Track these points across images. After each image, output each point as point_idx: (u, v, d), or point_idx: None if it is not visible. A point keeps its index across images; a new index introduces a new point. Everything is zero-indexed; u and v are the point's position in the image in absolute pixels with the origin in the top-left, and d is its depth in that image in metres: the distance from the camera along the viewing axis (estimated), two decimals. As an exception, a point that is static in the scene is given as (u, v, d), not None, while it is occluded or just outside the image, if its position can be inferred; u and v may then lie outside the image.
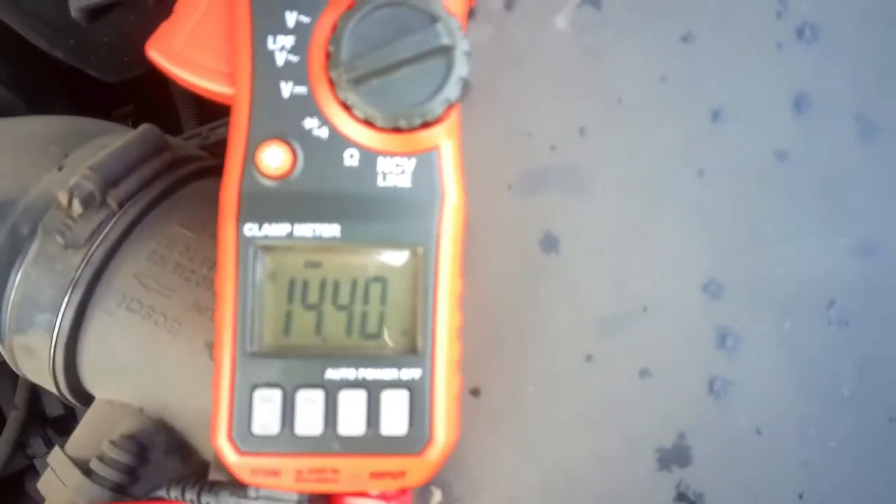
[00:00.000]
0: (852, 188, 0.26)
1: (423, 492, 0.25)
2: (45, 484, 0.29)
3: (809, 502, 0.25)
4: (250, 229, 0.20)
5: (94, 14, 0.29)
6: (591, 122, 0.26)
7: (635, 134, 0.26)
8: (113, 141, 0.31)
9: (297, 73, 0.21)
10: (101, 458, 0.27)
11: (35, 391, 0.47)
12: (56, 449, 0.30)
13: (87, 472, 0.27)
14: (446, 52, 0.20)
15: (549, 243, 0.25)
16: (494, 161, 0.25)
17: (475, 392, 0.25)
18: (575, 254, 0.25)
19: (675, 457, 0.25)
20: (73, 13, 0.29)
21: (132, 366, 0.29)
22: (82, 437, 0.29)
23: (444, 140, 0.21)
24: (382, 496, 0.22)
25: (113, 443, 0.28)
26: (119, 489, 0.27)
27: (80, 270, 0.28)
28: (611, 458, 0.25)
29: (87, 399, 0.31)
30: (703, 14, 0.26)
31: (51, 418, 0.49)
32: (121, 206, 0.29)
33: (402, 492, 0.23)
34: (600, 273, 0.25)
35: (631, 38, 0.26)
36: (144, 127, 0.31)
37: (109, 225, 0.29)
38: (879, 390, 0.26)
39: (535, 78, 0.26)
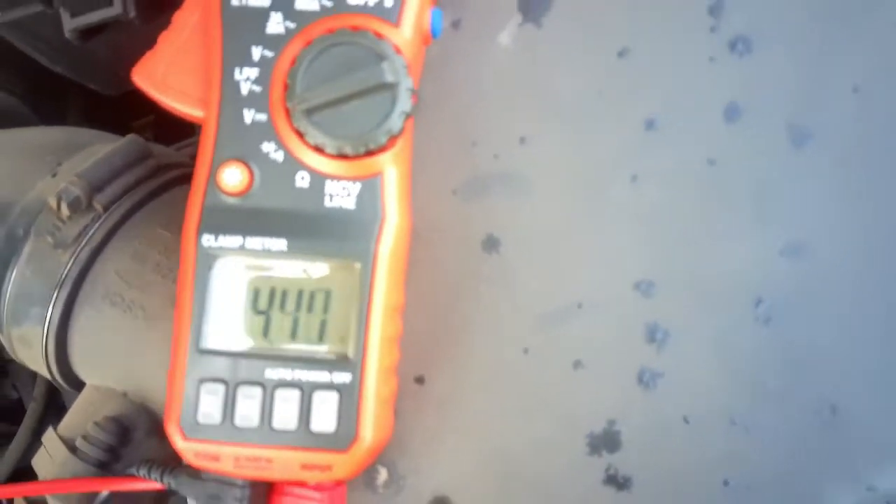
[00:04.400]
0: (782, 193, 0.32)
1: (370, 470, 0.31)
2: (37, 460, 0.36)
3: (734, 489, 0.31)
4: (207, 240, 0.27)
5: (85, 34, 0.36)
6: (531, 132, 0.32)
7: (573, 142, 0.32)
8: (103, 150, 0.38)
9: (258, 101, 0.27)
10: (86, 438, 0.34)
11: (52, 385, 0.54)
12: (49, 429, 0.37)
13: (72, 449, 0.34)
14: (391, 88, 0.27)
15: (491, 244, 0.32)
16: (441, 168, 0.32)
17: (420, 380, 0.32)
18: (514, 254, 0.32)
19: (604, 442, 0.31)
20: (67, 33, 0.36)
21: (116, 355, 0.36)
22: (72, 419, 0.36)
23: (387, 167, 0.27)
24: (318, 487, 0.28)
25: (97, 424, 0.35)
26: (102, 465, 0.34)
27: (67, 268, 0.35)
28: (545, 442, 0.31)
29: (78, 385, 0.39)
30: (639, 30, 0.32)
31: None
32: (105, 209, 0.36)
33: (338, 483, 0.29)
34: (538, 272, 0.32)
35: (570, 53, 0.32)
36: (129, 137, 0.38)
37: (95, 227, 0.36)
38: (803, 384, 0.31)
39: (480, 91, 0.32)
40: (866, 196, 0.32)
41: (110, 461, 0.35)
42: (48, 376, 0.39)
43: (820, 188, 0.32)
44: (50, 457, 0.36)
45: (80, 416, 0.37)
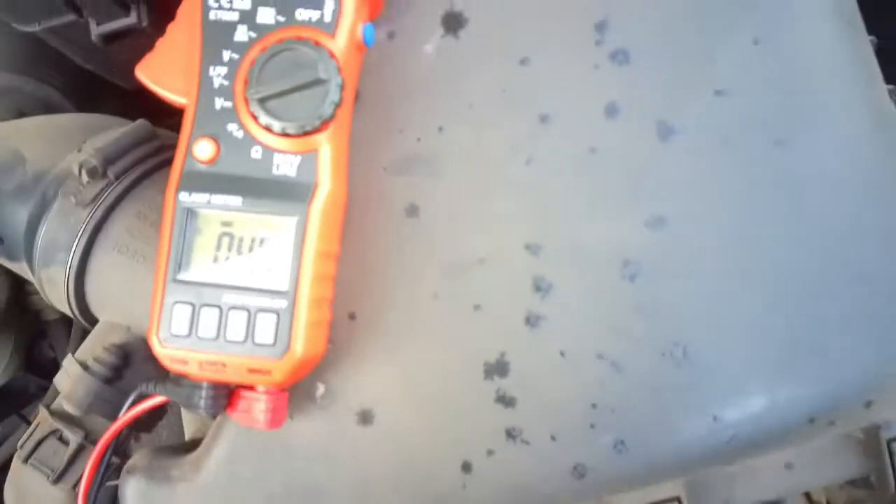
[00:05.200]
0: (648, 177, 0.40)
1: (310, 386, 0.40)
2: (58, 378, 0.45)
3: (600, 410, 0.39)
4: (183, 196, 0.36)
5: (108, 39, 0.45)
6: (447, 122, 0.40)
7: (480, 131, 0.40)
8: (118, 131, 0.47)
9: (226, 92, 0.36)
10: (96, 359, 0.44)
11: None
12: (68, 354, 0.46)
13: (85, 368, 0.43)
14: (324, 83, 0.35)
15: (412, 210, 0.40)
16: (374, 149, 0.40)
17: (352, 316, 0.40)
18: (431, 219, 0.40)
19: (496, 369, 0.39)
20: (93, 38, 0.45)
21: (122, 294, 0.45)
22: (86, 346, 0.46)
23: (322, 145, 0.36)
24: (266, 392, 0.37)
25: (105, 349, 0.44)
26: (107, 381, 0.43)
27: (86, 223, 0.45)
28: (450, 368, 0.40)
29: (93, 321, 0.48)
30: (538, 43, 0.40)
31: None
32: (117, 177, 0.45)
33: (280, 388, 0.38)
34: (449, 234, 0.40)
35: (481, 60, 0.40)
36: (139, 122, 0.47)
37: (108, 191, 0.45)
38: (660, 329, 0.39)
39: (408, 89, 0.41)
40: (717, 180, 0.39)
41: (114, 378, 0.45)
42: (70, 313, 0.49)
43: (680, 174, 0.40)
44: (67, 375, 0.45)
45: (92, 343, 0.46)
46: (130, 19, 0.45)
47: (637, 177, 0.40)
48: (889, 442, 0.42)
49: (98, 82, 0.60)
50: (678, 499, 0.43)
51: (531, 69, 0.40)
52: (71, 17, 0.44)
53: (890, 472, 0.42)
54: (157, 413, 0.51)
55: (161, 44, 0.38)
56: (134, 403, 0.41)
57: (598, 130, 0.40)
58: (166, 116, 0.62)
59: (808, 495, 0.63)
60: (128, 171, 0.46)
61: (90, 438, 0.46)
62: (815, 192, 0.39)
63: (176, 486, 0.42)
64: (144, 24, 0.45)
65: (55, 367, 0.67)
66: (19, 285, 0.70)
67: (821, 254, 0.39)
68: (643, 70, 0.40)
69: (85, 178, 0.45)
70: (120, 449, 0.48)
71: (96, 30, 0.45)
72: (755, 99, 0.40)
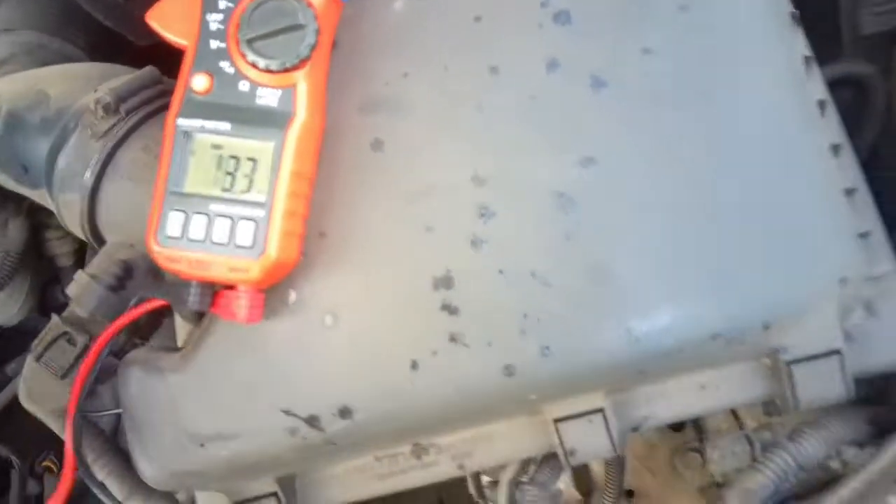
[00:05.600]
0: (581, 123, 0.46)
1: (284, 293, 0.47)
2: (70, 287, 0.52)
3: (530, 320, 0.46)
4: (181, 122, 0.43)
5: None
6: (412, 70, 0.47)
7: (438, 78, 0.47)
8: (131, 75, 0.54)
9: (220, 35, 0.43)
10: (103, 270, 0.51)
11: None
12: (80, 271, 0.53)
13: (93, 277, 0.50)
14: (302, 28, 0.42)
15: (377, 145, 0.47)
16: (348, 91, 0.47)
17: (322, 234, 0.47)
18: (393, 153, 0.47)
19: (443, 283, 0.46)
20: None
21: (129, 217, 0.52)
22: (96, 261, 0.53)
23: (300, 81, 0.43)
24: (245, 291, 0.44)
25: (111, 261, 0.51)
26: (112, 289, 0.50)
27: (99, 153, 0.52)
28: (404, 280, 0.46)
29: (103, 242, 0.55)
30: (490, 4, 0.47)
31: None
32: (127, 114, 0.52)
33: (257, 288, 0.44)
34: (408, 166, 0.47)
35: (441, 17, 0.47)
36: (149, 68, 0.54)
37: (120, 125, 0.52)
38: (586, 251, 0.46)
39: (379, 40, 0.47)
40: (641, 127, 0.46)
41: (118, 287, 0.52)
42: (83, 236, 0.55)
43: (609, 121, 0.46)
44: (77, 283, 0.52)
45: (100, 259, 0.53)
46: (146, -22, 0.52)
47: (572, 123, 0.46)
48: (788, 364, 0.48)
49: (117, 43, 0.67)
50: (602, 410, 0.50)
51: (484, 26, 0.47)
52: (95, -23, 0.51)
53: (790, 393, 0.49)
54: (154, 324, 0.58)
55: (168, -4, 0.45)
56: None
57: (540, 81, 0.47)
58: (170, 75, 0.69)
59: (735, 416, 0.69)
60: (137, 109, 0.53)
61: (93, 340, 0.53)
62: (727, 140, 0.46)
63: (167, 376, 0.49)
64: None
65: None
66: (37, 231, 0.78)
67: (729, 192, 0.46)
68: (581, 30, 0.47)
69: (100, 112, 0.52)
70: (120, 353, 0.55)
71: (116, -13, 0.52)
72: (678, 57, 0.46)
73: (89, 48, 0.70)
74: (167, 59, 0.48)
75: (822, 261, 0.46)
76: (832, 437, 0.52)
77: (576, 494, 0.84)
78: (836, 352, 0.48)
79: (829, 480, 0.52)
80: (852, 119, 0.62)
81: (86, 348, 0.53)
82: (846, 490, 0.49)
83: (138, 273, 0.52)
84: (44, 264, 0.82)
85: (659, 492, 0.83)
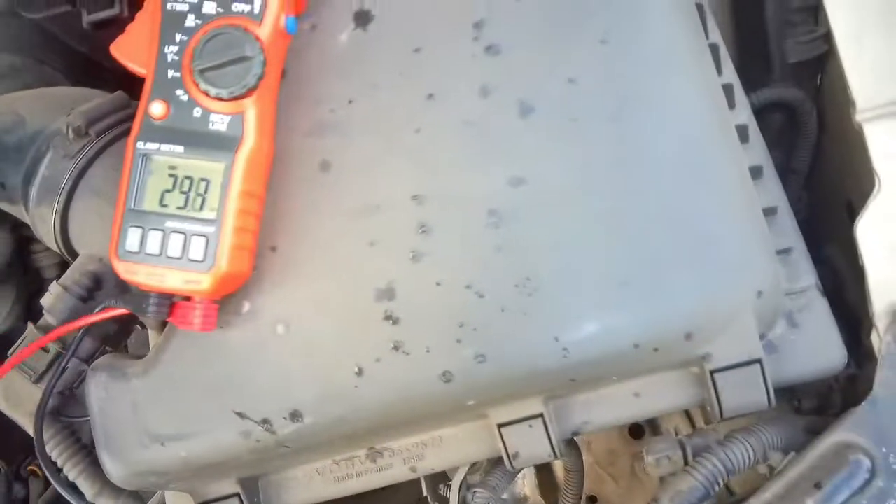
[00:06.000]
0: (512, 145, 0.50)
1: (238, 304, 0.50)
2: (44, 298, 0.56)
3: (465, 329, 0.49)
4: (140, 145, 0.47)
5: (97, 26, 0.57)
6: (356, 97, 0.51)
7: (381, 104, 0.51)
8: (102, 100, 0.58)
9: (176, 65, 0.47)
10: (74, 282, 0.54)
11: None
12: (54, 282, 0.57)
13: (64, 288, 0.54)
14: (250, 60, 0.46)
15: (325, 166, 0.51)
16: (296, 116, 0.51)
17: (273, 248, 0.51)
18: (339, 173, 0.51)
19: (386, 294, 0.50)
20: (84, 25, 0.57)
21: (98, 231, 0.56)
22: (68, 274, 0.57)
23: (248, 108, 0.47)
24: (200, 301, 0.48)
25: (82, 274, 0.55)
26: (82, 299, 0.54)
27: (70, 171, 0.56)
28: (349, 292, 0.50)
29: (75, 254, 0.59)
30: (428, 36, 0.51)
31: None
32: (97, 136, 0.56)
33: (211, 299, 0.48)
34: (353, 185, 0.51)
35: (383, 48, 0.51)
36: (118, 93, 0.58)
37: (90, 146, 0.56)
38: (516, 265, 0.49)
39: (325, 70, 0.51)
40: (566, 149, 0.50)
41: (88, 297, 0.56)
42: (55, 248, 0.59)
43: (537, 143, 0.50)
44: (51, 294, 0.56)
45: (72, 271, 0.57)
46: (115, 10, 0.56)
47: (502, 145, 0.50)
48: (712, 373, 0.52)
49: (92, 66, 0.71)
50: (541, 415, 0.53)
51: (422, 57, 0.51)
52: (66, 7, 0.56)
53: (715, 399, 0.52)
54: (124, 333, 0.62)
55: (130, 28, 0.49)
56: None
57: (473, 107, 0.50)
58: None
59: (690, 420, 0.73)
60: (106, 132, 0.57)
61: (66, 347, 0.57)
62: (646, 161, 0.50)
63: (131, 380, 0.52)
64: (126, 13, 0.56)
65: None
66: (23, 244, 0.82)
67: (648, 210, 0.49)
68: (511, 60, 0.50)
69: (71, 135, 0.56)
70: (90, 360, 0.58)
71: (87, 18, 0.56)
72: (599, 86, 0.50)
73: (67, 71, 0.74)
74: (142, 82, 0.52)
75: (738, 274, 0.50)
76: (762, 443, 0.55)
77: (540, 501, 0.87)
78: (757, 361, 0.51)
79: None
80: (787, 142, 0.66)
81: (57, 355, 0.57)
82: (768, 493, 0.52)
83: (107, 284, 0.56)
84: (30, 276, 0.86)
85: (620, 498, 0.86)
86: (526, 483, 0.86)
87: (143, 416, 0.52)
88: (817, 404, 0.71)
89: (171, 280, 0.47)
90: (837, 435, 0.52)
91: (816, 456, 0.52)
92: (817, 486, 0.51)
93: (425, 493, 0.70)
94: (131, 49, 0.48)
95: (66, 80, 0.72)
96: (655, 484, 0.71)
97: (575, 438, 0.65)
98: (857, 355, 0.58)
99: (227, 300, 0.50)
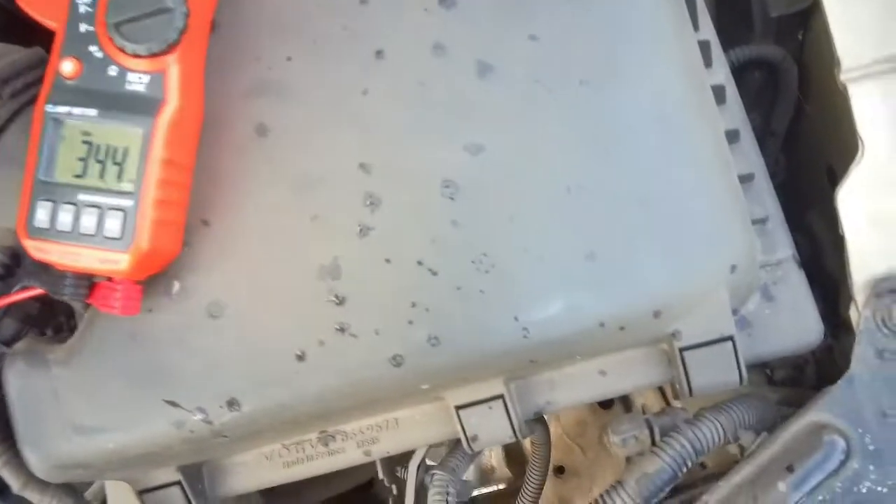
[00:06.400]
0: (469, 108, 0.45)
1: (167, 283, 0.46)
2: (-45, 276, 0.51)
3: (418, 309, 0.45)
4: (49, 108, 0.41)
5: None
6: (295, 54, 0.46)
7: (324, 62, 0.46)
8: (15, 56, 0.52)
9: (89, 18, 0.42)
10: (-12, 257, 0.49)
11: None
12: (-32, 256, 0.52)
13: (-23, 265, 0.49)
14: (170, 11, 0.41)
15: (261, 130, 0.46)
16: (229, 74, 0.46)
17: (206, 222, 0.46)
18: (278, 138, 0.46)
19: (330, 272, 0.46)
20: None
21: (14, 202, 0.51)
22: (-18, 249, 0.51)
23: (170, 66, 0.41)
24: (121, 281, 0.43)
25: (-2, 250, 0.50)
26: (-1, 277, 0.49)
27: (-18, 137, 0.50)
28: (290, 270, 0.46)
29: None
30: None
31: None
32: (11, 97, 0.50)
33: (132, 280, 0.43)
34: (293, 152, 0.46)
35: (326, -1, 0.45)
36: (34, 49, 0.52)
37: (1, 109, 0.50)
38: (473, 240, 0.45)
39: (262, 22, 0.46)
40: (528, 113, 0.45)
41: (5, 275, 0.50)
42: None
43: (496, 107, 0.46)
44: (-36, 272, 0.51)
45: (-12, 246, 0.52)
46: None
47: (459, 108, 0.46)
48: (681, 351, 0.48)
49: (12, 18, 0.65)
50: (502, 396, 0.50)
51: (369, 9, 0.46)
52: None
53: (684, 377, 0.49)
54: (50, 313, 0.57)
55: (36, -23, 0.43)
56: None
57: (426, 66, 0.46)
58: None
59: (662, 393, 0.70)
60: (20, 93, 0.51)
61: (-14, 329, 0.52)
62: (614, 127, 0.46)
63: (52, 367, 0.48)
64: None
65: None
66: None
67: (616, 179, 0.45)
68: (467, 14, 0.46)
69: (-20, 97, 0.50)
70: (12, 343, 0.54)
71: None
72: (564, 44, 0.45)
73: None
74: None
75: (712, 249, 0.46)
76: (732, 422, 0.52)
77: (507, 472, 0.85)
78: (728, 338, 0.48)
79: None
80: (766, 103, 0.62)
81: (-26, 338, 0.52)
82: (738, 476, 0.50)
83: (27, 260, 0.51)
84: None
85: (589, 468, 0.84)
86: (493, 455, 0.84)
87: (66, 406, 0.47)
88: (791, 375, 0.68)
89: (87, 259, 0.42)
90: (811, 415, 0.49)
91: (789, 437, 0.49)
92: (789, 468, 0.48)
93: (381, 476, 0.67)
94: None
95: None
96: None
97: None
98: (833, 326, 0.56)
99: (155, 280, 0.46)
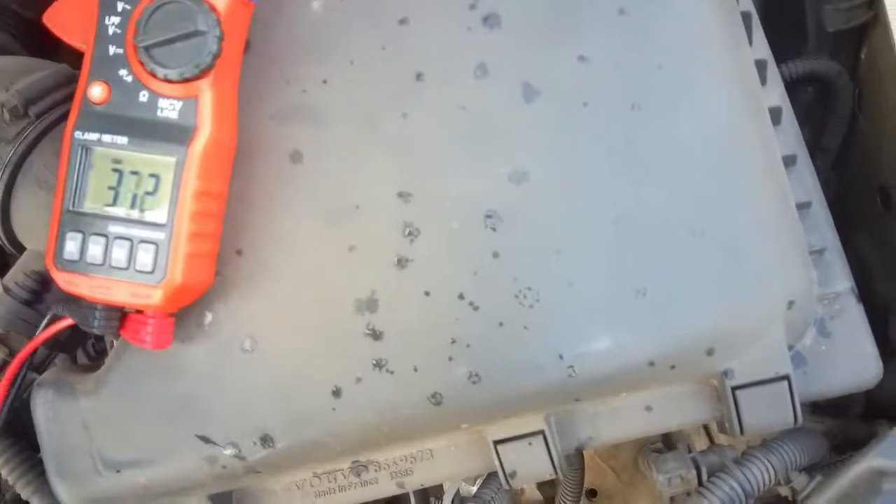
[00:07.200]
0: (514, 134, 0.43)
1: (199, 315, 0.44)
2: (-14, 302, 0.50)
3: (458, 345, 0.43)
4: (78, 134, 0.40)
5: None
6: (331, 76, 0.44)
7: (361, 85, 0.44)
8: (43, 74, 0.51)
9: (118, 40, 0.40)
10: (17, 283, 0.48)
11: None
12: (-2, 281, 0.51)
13: (7, 290, 0.48)
14: (203, 35, 0.39)
15: (296, 157, 0.44)
16: (262, 98, 0.44)
17: (239, 252, 0.44)
18: (313, 165, 0.44)
19: (367, 306, 0.44)
20: None
21: (43, 225, 0.49)
22: (11, 273, 0.50)
23: (203, 91, 0.40)
24: (152, 315, 0.41)
25: (26, 274, 0.48)
26: (27, 303, 0.48)
27: (9, 158, 0.49)
28: (325, 303, 0.44)
29: (21, 250, 0.52)
30: (416, 5, 0.43)
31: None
32: (37, 117, 0.49)
33: (165, 313, 0.42)
34: (329, 180, 0.44)
35: (363, 18, 0.44)
36: (61, 65, 0.51)
37: (29, 130, 0.49)
38: (515, 274, 0.43)
39: (296, 43, 0.44)
40: (576, 140, 0.43)
41: (34, 300, 0.49)
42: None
43: (542, 133, 0.43)
44: (-8, 298, 0.50)
45: (15, 270, 0.50)
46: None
47: (503, 134, 0.43)
48: (733, 390, 0.46)
49: (45, 32, 0.63)
50: (542, 432, 0.48)
51: (409, 29, 0.43)
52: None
53: (735, 416, 0.47)
54: (78, 338, 0.55)
55: (65, -5, 0.41)
56: (49, 325, 0.45)
57: (469, 89, 0.43)
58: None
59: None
60: (47, 112, 0.49)
61: (13, 355, 0.50)
62: (667, 154, 0.43)
63: (80, 398, 0.46)
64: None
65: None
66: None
67: (667, 211, 0.43)
68: (512, 34, 0.43)
69: (7, 116, 0.49)
70: (41, 368, 0.52)
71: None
72: (615, 66, 0.43)
73: (23, 34, 0.67)
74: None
75: (769, 284, 0.44)
76: (783, 463, 0.50)
77: (538, 495, 0.83)
78: (784, 377, 0.45)
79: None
80: (817, 118, 0.59)
81: (3, 364, 0.51)
82: (793, 522, 0.48)
83: (55, 286, 0.49)
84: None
85: (622, 492, 0.82)
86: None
87: (96, 439, 0.46)
88: (836, 401, 0.66)
89: (118, 293, 0.40)
90: (869, 460, 0.46)
91: (846, 483, 0.47)
92: (847, 515, 0.46)
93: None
94: (67, 19, 0.41)
95: (20, 46, 0.64)
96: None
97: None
98: (882, 351, 0.53)
99: (187, 310, 0.44)
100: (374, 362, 0.44)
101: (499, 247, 0.43)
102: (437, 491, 0.62)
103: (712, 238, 0.43)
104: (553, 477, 0.49)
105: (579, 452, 0.67)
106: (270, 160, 0.44)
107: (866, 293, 0.51)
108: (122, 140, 0.40)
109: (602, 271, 0.43)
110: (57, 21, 0.41)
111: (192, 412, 0.45)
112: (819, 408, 0.65)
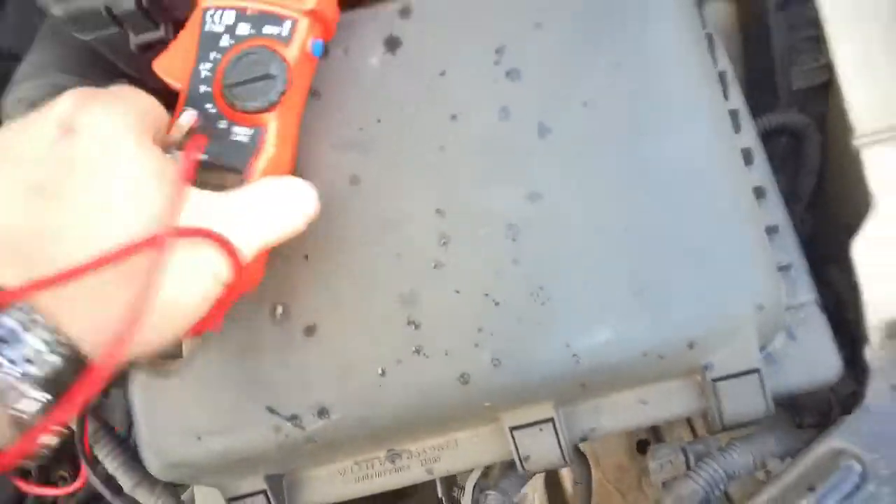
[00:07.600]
0: (530, 163, 0.54)
1: (272, 308, 0.54)
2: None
3: (483, 334, 0.52)
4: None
5: (143, 48, 0.60)
6: (384, 116, 0.55)
7: (407, 124, 0.54)
8: None
9: (208, 81, 0.51)
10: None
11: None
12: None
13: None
14: (273, 77, 0.50)
15: (354, 180, 0.55)
16: (328, 133, 0.55)
17: (306, 257, 0.54)
18: (368, 187, 0.55)
19: (409, 300, 0.53)
20: (132, 47, 0.60)
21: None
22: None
23: (270, 122, 0.50)
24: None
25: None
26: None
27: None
28: (375, 298, 0.54)
29: None
30: (453, 61, 0.55)
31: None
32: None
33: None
34: (381, 199, 0.54)
35: (410, 72, 0.55)
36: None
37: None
38: (531, 278, 0.53)
39: (356, 91, 0.55)
40: (582, 168, 0.53)
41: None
42: None
43: (553, 162, 0.54)
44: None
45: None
46: (160, 33, 0.60)
47: (521, 163, 0.54)
48: (713, 381, 0.55)
49: (135, 85, 0.75)
50: (552, 420, 0.56)
51: (446, 79, 0.55)
52: (114, 29, 0.59)
53: (716, 408, 0.55)
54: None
55: (171, 46, 0.53)
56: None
57: (493, 128, 0.54)
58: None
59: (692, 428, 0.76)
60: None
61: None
62: (655, 181, 0.53)
63: (170, 378, 0.56)
64: (171, 36, 0.60)
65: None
66: None
67: (655, 226, 0.53)
68: (530, 85, 0.54)
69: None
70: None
71: (134, 40, 0.60)
72: (613, 109, 0.54)
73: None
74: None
75: (740, 289, 0.53)
76: (760, 450, 0.58)
77: (549, 519, 0.90)
78: (755, 371, 0.54)
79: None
80: (791, 165, 0.69)
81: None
82: (764, 496, 0.55)
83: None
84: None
85: (627, 512, 0.89)
86: (536, 497, 0.89)
87: (183, 412, 0.55)
88: (818, 421, 0.73)
89: None
90: (830, 441, 0.55)
91: (810, 461, 0.55)
92: (811, 489, 0.54)
93: (440, 496, 0.73)
94: (171, 65, 0.52)
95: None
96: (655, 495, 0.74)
97: (584, 452, 0.69)
98: (856, 373, 0.61)
99: (262, 305, 0.54)
100: (414, 348, 0.53)
101: (517, 254, 0.53)
102: (460, 482, 0.70)
103: (693, 248, 0.52)
104: (562, 464, 0.57)
105: (586, 466, 0.75)
106: (334, 182, 0.55)
107: (842, 323, 0.59)
108: (203, 157, 0.50)
109: (600, 274, 0.52)
110: (163, 67, 0.53)
111: (263, 388, 0.54)
112: (802, 426, 0.73)
